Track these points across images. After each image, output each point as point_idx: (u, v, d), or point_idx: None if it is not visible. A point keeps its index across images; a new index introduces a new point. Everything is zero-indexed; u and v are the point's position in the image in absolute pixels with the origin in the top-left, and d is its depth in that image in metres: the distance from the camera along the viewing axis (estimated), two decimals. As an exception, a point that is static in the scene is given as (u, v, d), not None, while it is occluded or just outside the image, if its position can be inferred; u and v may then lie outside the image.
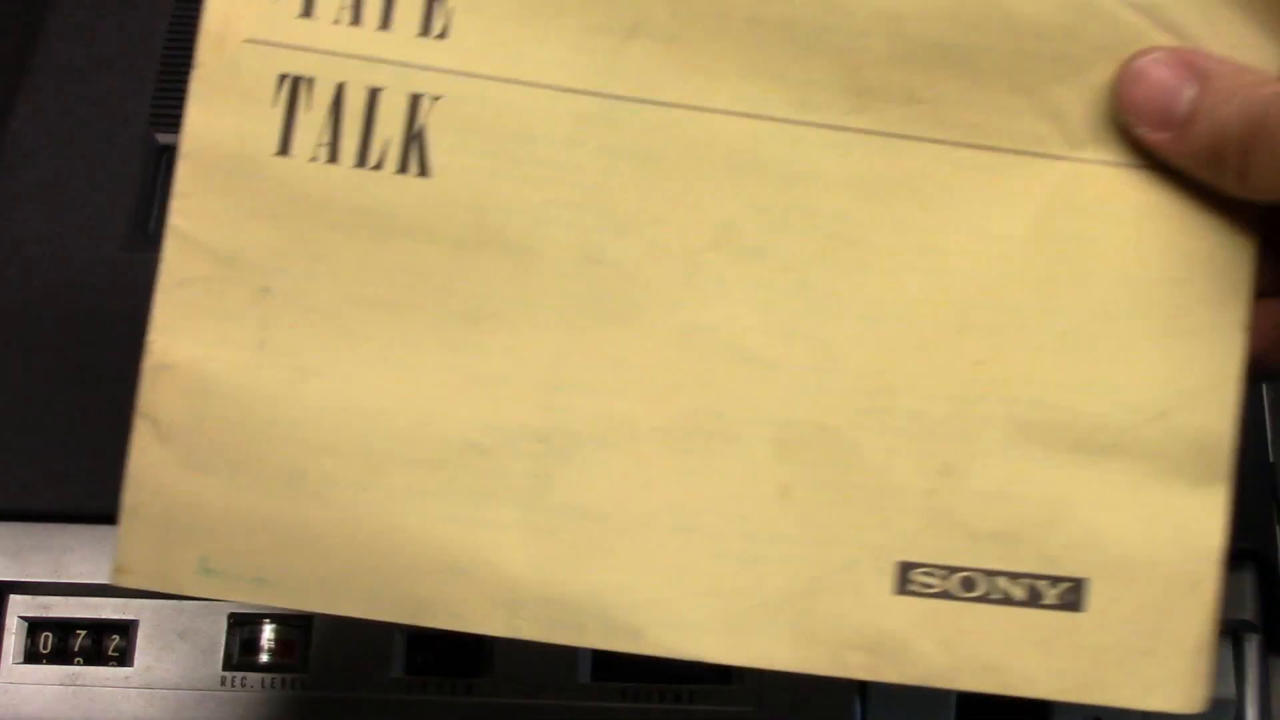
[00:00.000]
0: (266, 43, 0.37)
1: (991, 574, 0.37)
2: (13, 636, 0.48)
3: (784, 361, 0.37)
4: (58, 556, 0.48)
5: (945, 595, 0.36)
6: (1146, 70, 0.36)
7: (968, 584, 0.37)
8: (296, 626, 0.51)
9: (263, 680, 0.51)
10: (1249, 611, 0.47)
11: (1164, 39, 0.36)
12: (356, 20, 0.37)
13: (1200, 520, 0.36)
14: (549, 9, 0.37)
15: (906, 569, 0.37)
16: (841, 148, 0.37)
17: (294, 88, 0.37)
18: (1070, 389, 0.36)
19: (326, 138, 0.37)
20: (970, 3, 0.36)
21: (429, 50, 0.37)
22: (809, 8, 0.36)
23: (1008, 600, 0.36)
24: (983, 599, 0.36)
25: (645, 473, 0.37)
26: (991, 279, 0.37)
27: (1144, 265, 0.37)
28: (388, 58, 0.37)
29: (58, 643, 0.49)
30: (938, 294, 0.37)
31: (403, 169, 0.37)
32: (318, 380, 0.36)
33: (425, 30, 0.37)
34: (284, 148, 0.37)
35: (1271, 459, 0.49)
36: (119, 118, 0.56)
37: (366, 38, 0.37)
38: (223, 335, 0.36)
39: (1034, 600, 0.36)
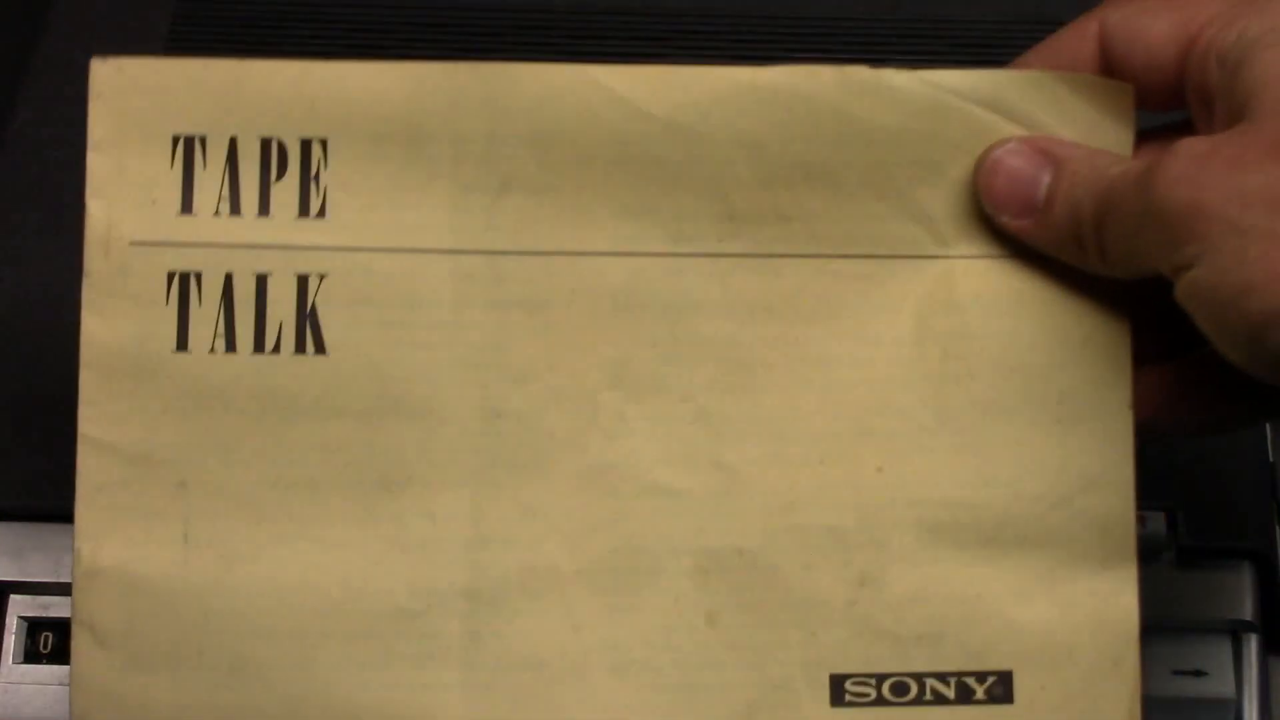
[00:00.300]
0: (151, 243, 0.37)
1: (921, 676, 0.37)
2: (13, 636, 0.48)
3: (693, 490, 0.37)
4: (58, 556, 0.48)
5: (880, 702, 0.37)
6: (1003, 160, 0.36)
7: (900, 689, 0.37)
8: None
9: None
10: (1249, 611, 0.47)
11: (1016, 131, 0.37)
12: (235, 210, 0.37)
13: (1113, 600, 0.37)
14: (421, 176, 0.37)
15: (839, 681, 0.37)
16: (720, 274, 0.37)
17: (184, 283, 0.37)
18: (972, 486, 0.37)
19: (222, 328, 0.37)
20: (825, 121, 0.37)
21: (309, 231, 0.37)
22: (671, 144, 0.37)
23: (940, 700, 0.37)
24: (916, 701, 0.37)
25: (574, 616, 0.37)
26: (882, 384, 0.37)
27: (1026, 354, 0.37)
28: (270, 243, 0.37)
29: (58, 643, 0.48)
30: (832, 406, 0.37)
31: (299, 349, 0.37)
32: (244, 566, 0.37)
33: (303, 211, 0.37)
34: (182, 343, 0.37)
35: (1271, 459, 0.49)
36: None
37: (247, 226, 0.37)
38: (147, 534, 0.37)
39: (965, 697, 0.37)
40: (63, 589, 0.48)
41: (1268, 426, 0.49)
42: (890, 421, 0.37)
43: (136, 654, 0.37)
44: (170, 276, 0.37)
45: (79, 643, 0.37)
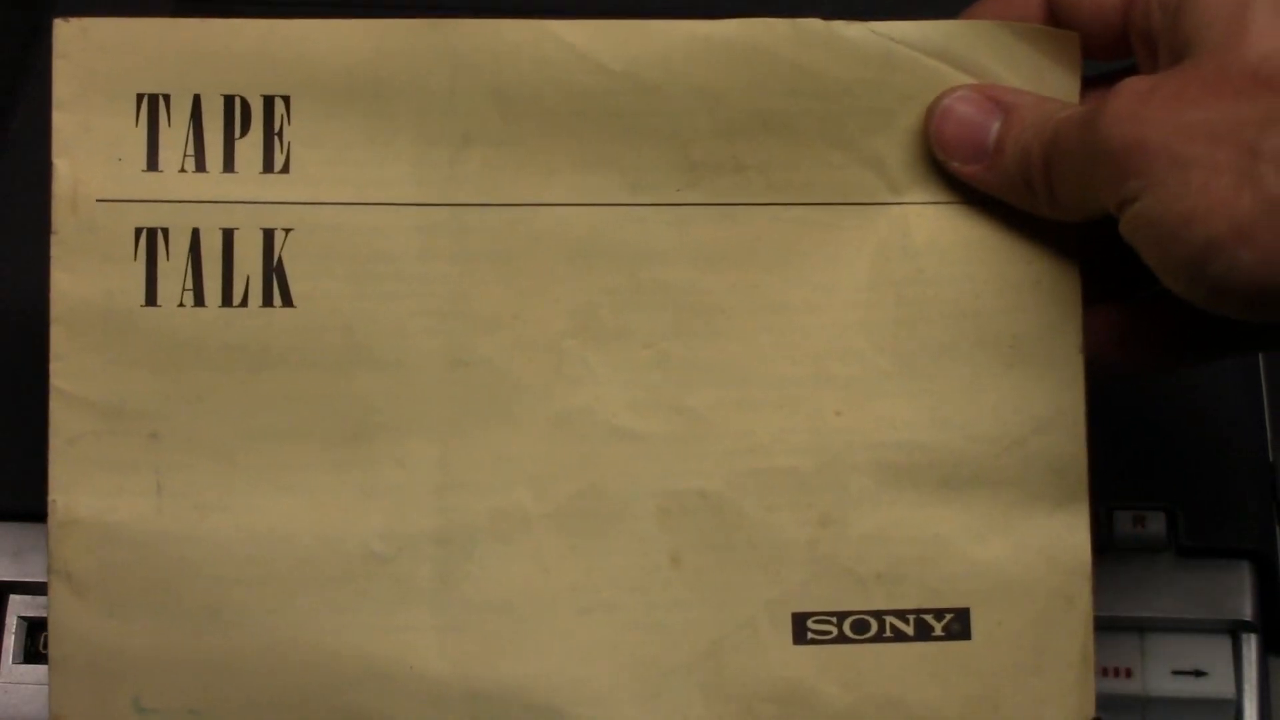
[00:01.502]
0: (118, 200, 0.38)
1: (880, 614, 0.38)
2: (13, 636, 0.48)
3: (656, 434, 0.38)
4: (58, 557, 0.48)
5: (841, 639, 0.38)
6: (953, 108, 0.37)
7: (860, 626, 0.38)
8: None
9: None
10: (1248, 611, 0.47)
11: (966, 80, 0.37)
12: (201, 166, 0.38)
13: (1066, 539, 0.38)
14: (384, 130, 0.38)
15: (801, 619, 0.38)
16: (680, 223, 0.38)
17: (151, 239, 0.38)
18: (927, 429, 0.38)
19: (190, 283, 0.38)
20: (780, 71, 0.37)
21: (274, 186, 0.38)
22: (630, 96, 0.38)
23: (899, 637, 0.38)
24: (876, 638, 0.38)
25: (543, 559, 0.38)
26: (839, 329, 0.38)
27: (978, 299, 0.38)
28: (236, 198, 0.38)
29: (58, 643, 0.49)
30: (791, 350, 0.38)
31: (267, 302, 0.38)
32: (218, 515, 0.38)
33: (268, 167, 0.38)
34: (151, 298, 0.38)
35: (1271, 459, 0.49)
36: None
37: (213, 182, 0.38)
38: (120, 485, 0.38)
39: (923, 634, 0.38)
40: (63, 589, 0.49)
41: (1268, 427, 0.49)
42: (847, 366, 0.38)
43: (113, 602, 0.38)
44: (138, 233, 0.38)
45: (55, 592, 0.38)
